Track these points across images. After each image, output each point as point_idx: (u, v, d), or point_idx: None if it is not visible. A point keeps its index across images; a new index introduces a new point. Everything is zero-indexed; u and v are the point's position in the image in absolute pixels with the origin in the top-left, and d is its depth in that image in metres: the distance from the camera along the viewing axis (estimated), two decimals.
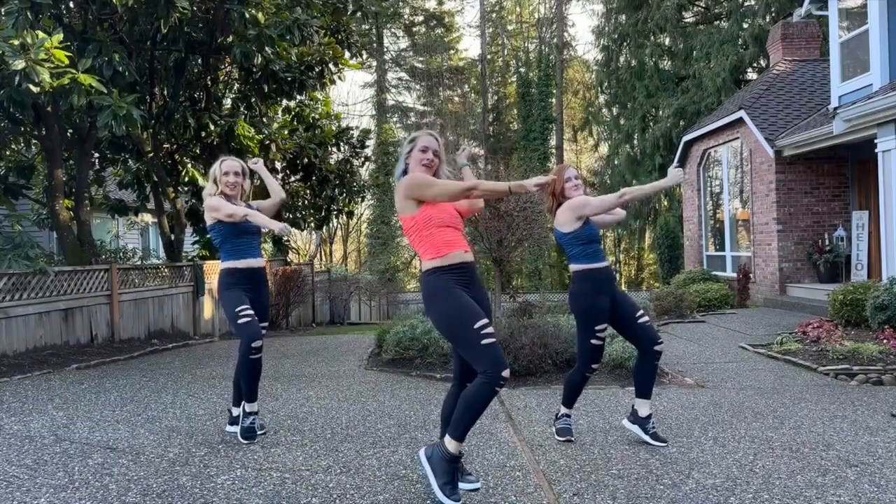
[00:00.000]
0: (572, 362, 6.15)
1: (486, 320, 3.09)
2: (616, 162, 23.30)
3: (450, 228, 3.26)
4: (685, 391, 5.57)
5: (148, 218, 16.17)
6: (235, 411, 4.36)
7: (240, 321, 4.09)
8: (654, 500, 3.13)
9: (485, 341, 3.04)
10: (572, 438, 4.09)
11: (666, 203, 22.79)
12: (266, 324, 4.39)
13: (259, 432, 4.27)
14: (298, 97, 11.94)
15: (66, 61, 6.67)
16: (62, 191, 9.50)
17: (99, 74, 7.29)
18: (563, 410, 4.21)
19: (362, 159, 14.93)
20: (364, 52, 13.53)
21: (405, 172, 3.38)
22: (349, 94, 49.82)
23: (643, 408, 4.06)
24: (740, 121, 12.54)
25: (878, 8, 9.42)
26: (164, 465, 3.69)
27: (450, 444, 3.06)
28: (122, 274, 9.18)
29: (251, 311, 4.13)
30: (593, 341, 4.00)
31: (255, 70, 10.02)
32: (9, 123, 9.13)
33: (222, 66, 11.45)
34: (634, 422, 4.09)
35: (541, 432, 4.31)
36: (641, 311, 4.05)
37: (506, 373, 2.99)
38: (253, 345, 4.03)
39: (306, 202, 14.25)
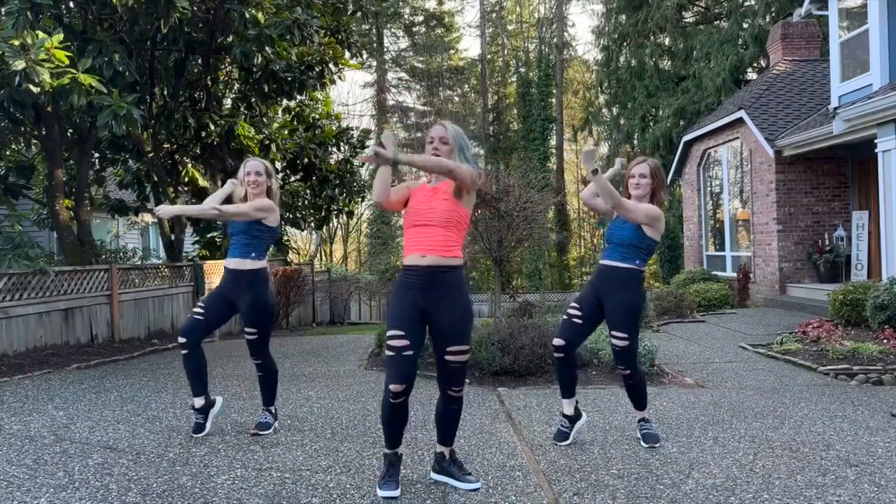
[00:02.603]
0: None
1: (398, 331, 3.10)
2: None
3: (416, 228, 3.24)
4: (685, 391, 5.57)
5: (148, 218, 16.17)
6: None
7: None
8: (654, 500, 3.13)
9: (387, 352, 3.15)
10: (564, 442, 4.03)
11: (666, 203, 22.79)
12: (253, 329, 4.24)
13: (263, 432, 4.30)
14: (298, 97, 11.93)
15: (66, 61, 6.67)
16: (62, 191, 9.50)
17: (99, 74, 7.29)
18: (563, 406, 4.12)
19: None
20: (364, 52, 13.54)
21: None
22: (349, 94, 49.81)
23: (638, 415, 4.15)
24: (740, 121, 12.54)
25: (878, 8, 9.41)
26: (164, 465, 3.69)
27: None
28: (122, 274, 9.17)
29: (198, 310, 4.22)
30: (563, 315, 4.12)
31: (255, 70, 10.02)
32: (9, 123, 9.12)
33: (222, 66, 11.44)
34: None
35: (541, 432, 4.30)
36: (615, 333, 3.90)
37: (393, 387, 3.07)
38: (179, 339, 4.20)
39: (306, 202, 14.24)
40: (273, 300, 4.35)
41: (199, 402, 4.29)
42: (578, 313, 4.01)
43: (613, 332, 3.93)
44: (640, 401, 4.08)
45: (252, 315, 4.23)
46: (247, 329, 4.28)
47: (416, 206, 3.29)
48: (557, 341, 4.02)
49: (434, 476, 3.41)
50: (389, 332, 3.14)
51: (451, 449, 3.41)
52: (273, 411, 4.43)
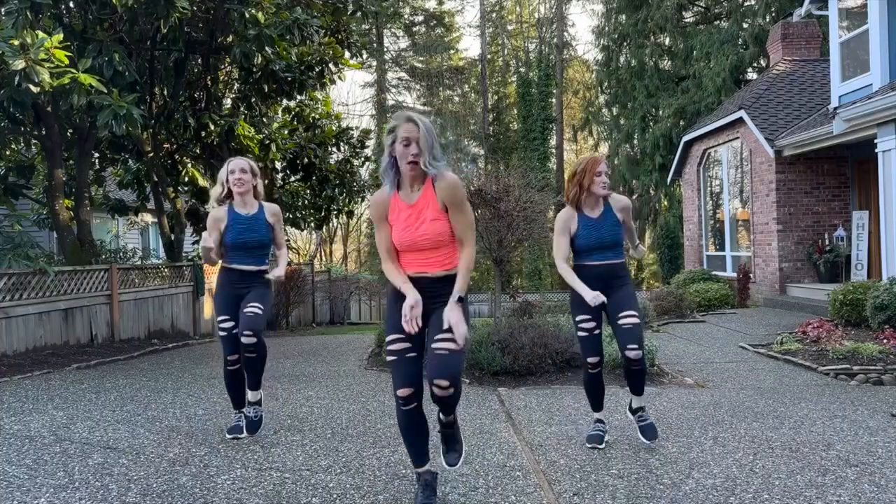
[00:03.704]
0: (572, 362, 6.16)
1: (397, 335, 2.91)
2: (616, 162, 23.32)
3: (408, 253, 2.98)
4: (685, 391, 5.57)
5: (148, 218, 16.17)
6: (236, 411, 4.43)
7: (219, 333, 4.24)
8: (654, 500, 3.13)
9: (388, 357, 2.97)
10: (600, 446, 3.93)
11: (666, 203, 22.79)
12: (260, 304, 4.13)
13: (243, 433, 4.24)
14: (298, 97, 11.94)
15: (66, 61, 6.67)
16: (62, 191, 9.50)
17: (99, 74, 7.29)
18: (595, 416, 4.10)
19: (362, 159, 14.95)
20: (364, 52, 13.56)
21: (395, 165, 2.93)
22: (349, 94, 49.88)
23: (634, 402, 4.09)
24: (740, 121, 12.54)
25: (878, 8, 9.41)
26: (164, 465, 3.69)
27: None
28: (122, 274, 9.17)
29: (230, 324, 4.12)
30: (579, 333, 3.96)
31: (255, 70, 10.02)
32: (9, 123, 9.12)
33: (222, 66, 11.45)
34: (631, 411, 4.14)
35: (541, 432, 4.30)
36: (628, 312, 3.84)
37: (401, 392, 2.88)
38: (228, 358, 4.15)
39: (306, 202, 14.26)
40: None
41: (256, 396, 4.27)
42: (595, 324, 3.92)
43: (627, 313, 3.84)
44: (642, 384, 4.00)
45: (261, 295, 4.18)
46: (253, 304, 4.12)
47: (401, 231, 2.93)
48: (593, 359, 3.91)
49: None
50: (389, 338, 2.96)
51: (448, 419, 3.13)
52: (259, 399, 4.29)
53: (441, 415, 3.15)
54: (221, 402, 5.27)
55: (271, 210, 4.33)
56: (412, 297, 2.87)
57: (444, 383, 2.86)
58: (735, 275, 12.91)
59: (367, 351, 7.97)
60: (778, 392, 5.46)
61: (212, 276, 11.31)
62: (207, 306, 11.22)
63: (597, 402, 4.07)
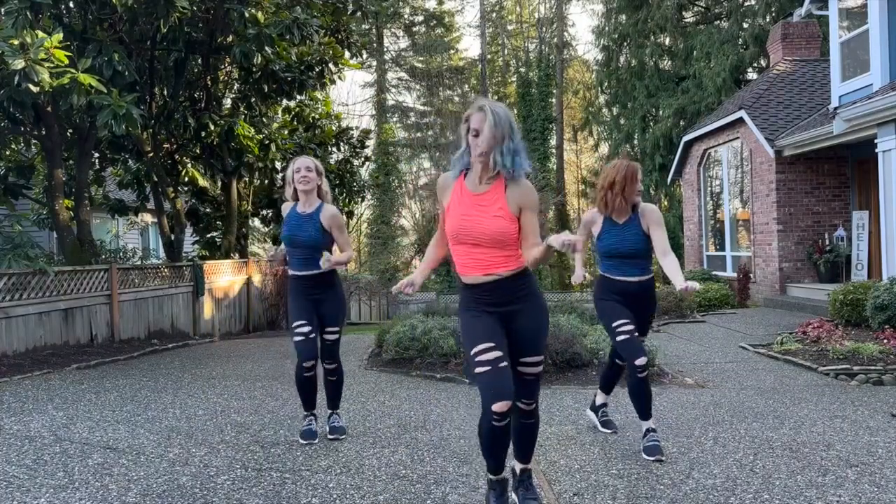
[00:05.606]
0: (572, 362, 6.16)
1: (487, 343, 2.70)
2: None
3: (464, 246, 2.79)
4: (685, 391, 5.56)
5: (148, 218, 16.17)
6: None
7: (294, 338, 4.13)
8: (654, 500, 3.13)
9: (478, 369, 2.71)
10: (663, 457, 3.70)
11: (666, 203, 22.78)
12: (337, 328, 4.21)
13: (331, 436, 4.21)
14: (298, 97, 11.95)
15: (66, 61, 6.67)
16: (62, 191, 9.49)
17: (99, 74, 7.29)
18: (644, 425, 3.85)
19: (362, 159, 14.95)
20: (364, 52, 13.57)
21: (469, 152, 2.81)
22: (349, 94, 49.87)
23: (599, 398, 4.35)
24: (740, 121, 12.54)
25: (878, 8, 9.41)
26: (164, 465, 3.69)
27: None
28: (121, 274, 9.17)
29: (307, 329, 4.06)
30: (619, 337, 3.80)
31: (254, 70, 10.02)
32: (9, 123, 9.12)
33: (222, 66, 11.45)
34: (591, 409, 4.40)
35: (541, 432, 4.30)
36: (642, 338, 4.07)
37: (498, 406, 2.62)
38: (304, 364, 4.06)
39: None
40: None
41: (314, 412, 4.26)
42: (633, 326, 3.82)
43: (638, 335, 3.85)
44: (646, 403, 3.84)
45: (337, 313, 4.20)
46: (329, 329, 4.15)
47: (458, 218, 2.78)
48: (642, 360, 3.73)
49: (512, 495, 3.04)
50: (477, 347, 2.71)
51: (525, 467, 2.99)
52: (340, 413, 4.38)
53: (517, 465, 3.01)
54: (221, 403, 5.28)
55: (329, 213, 4.18)
56: (411, 278, 2.94)
57: (531, 402, 2.90)
58: (735, 275, 12.91)
59: (367, 351, 7.97)
60: (778, 392, 5.46)
61: (212, 276, 11.30)
62: (207, 306, 11.22)
63: (647, 408, 3.83)
